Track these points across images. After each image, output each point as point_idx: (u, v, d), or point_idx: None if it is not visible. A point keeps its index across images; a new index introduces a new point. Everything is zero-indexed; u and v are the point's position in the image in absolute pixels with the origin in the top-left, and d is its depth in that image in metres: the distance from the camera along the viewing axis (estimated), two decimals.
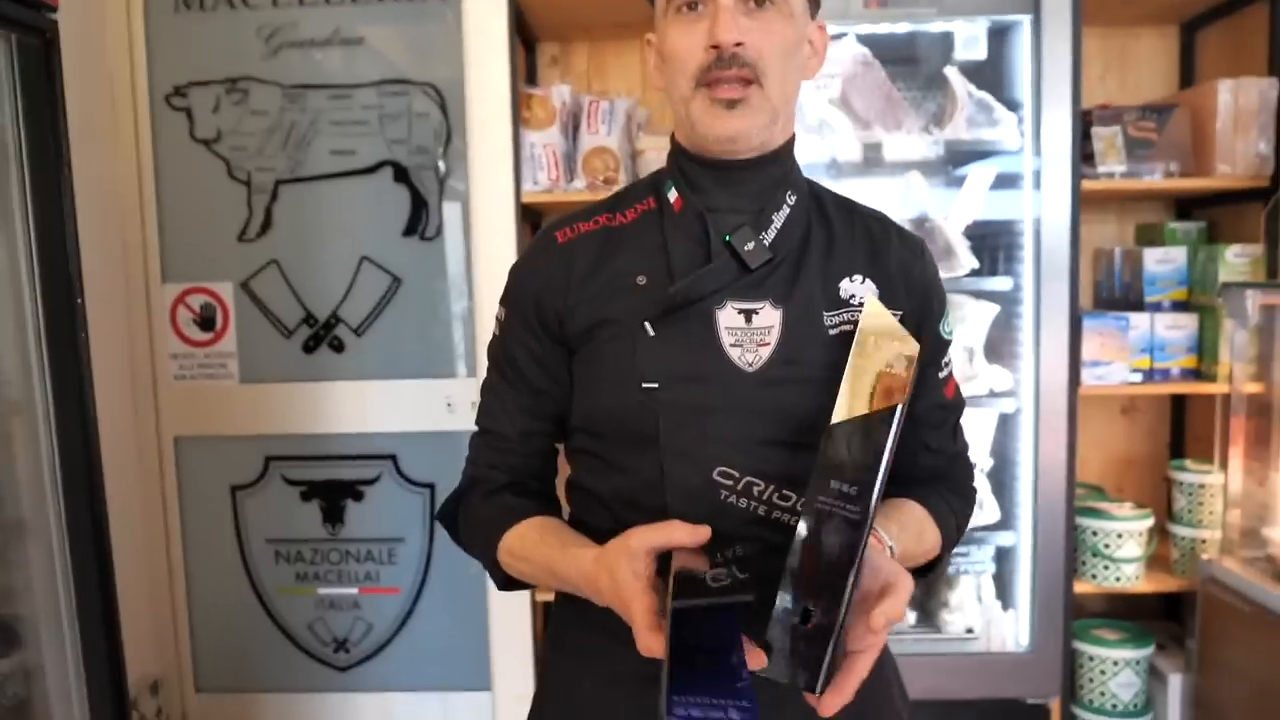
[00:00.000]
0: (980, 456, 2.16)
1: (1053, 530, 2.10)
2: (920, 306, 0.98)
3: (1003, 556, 2.22)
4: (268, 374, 2.48)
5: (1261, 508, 2.06)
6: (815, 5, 0.98)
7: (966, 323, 2.15)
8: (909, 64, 2.27)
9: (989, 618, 2.14)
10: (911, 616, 2.24)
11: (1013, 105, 2.10)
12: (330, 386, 2.45)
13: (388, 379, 2.42)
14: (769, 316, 0.92)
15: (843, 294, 0.95)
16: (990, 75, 2.15)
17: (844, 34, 2.07)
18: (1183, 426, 2.45)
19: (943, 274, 2.09)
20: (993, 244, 2.23)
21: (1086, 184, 2.10)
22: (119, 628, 1.53)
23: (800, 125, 2.08)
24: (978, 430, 2.15)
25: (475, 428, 1.05)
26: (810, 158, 2.09)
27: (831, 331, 0.92)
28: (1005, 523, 2.16)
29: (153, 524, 2.49)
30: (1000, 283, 2.12)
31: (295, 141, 2.47)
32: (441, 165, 2.46)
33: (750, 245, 0.92)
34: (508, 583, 1.00)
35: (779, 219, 0.94)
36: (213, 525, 2.54)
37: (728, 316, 0.92)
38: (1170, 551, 2.24)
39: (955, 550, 2.18)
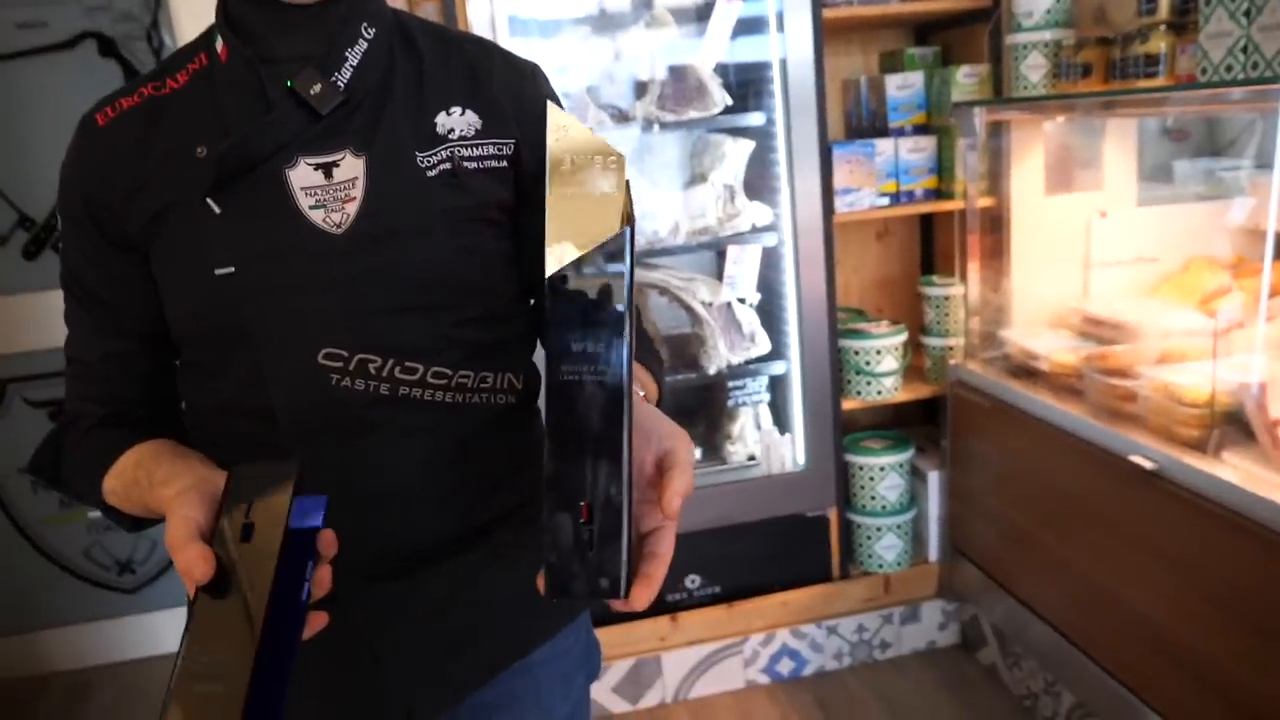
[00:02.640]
0: (748, 291, 2.23)
1: (818, 354, 2.22)
2: (537, 131, 0.88)
3: (776, 385, 2.34)
4: None
5: (998, 312, 2.25)
6: None
7: (726, 161, 2.17)
8: None
9: (768, 443, 2.26)
10: (697, 452, 2.34)
11: None
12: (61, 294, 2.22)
13: None
14: (351, 167, 0.81)
15: (440, 129, 0.85)
16: None
17: None
18: (932, 245, 2.61)
19: (697, 113, 2.11)
20: (756, 77, 2.23)
21: (828, 13, 2.13)
22: None
23: None
24: (744, 266, 2.22)
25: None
26: (565, 11, 1.99)
27: (430, 173, 0.83)
28: (776, 353, 2.27)
29: None
30: (754, 118, 2.14)
31: None
32: (154, 34, 2.20)
33: (318, 88, 0.80)
34: (135, 523, 0.88)
35: (354, 56, 0.82)
36: None
37: (302, 175, 0.80)
38: (924, 361, 2.43)
39: (733, 384, 2.30)
